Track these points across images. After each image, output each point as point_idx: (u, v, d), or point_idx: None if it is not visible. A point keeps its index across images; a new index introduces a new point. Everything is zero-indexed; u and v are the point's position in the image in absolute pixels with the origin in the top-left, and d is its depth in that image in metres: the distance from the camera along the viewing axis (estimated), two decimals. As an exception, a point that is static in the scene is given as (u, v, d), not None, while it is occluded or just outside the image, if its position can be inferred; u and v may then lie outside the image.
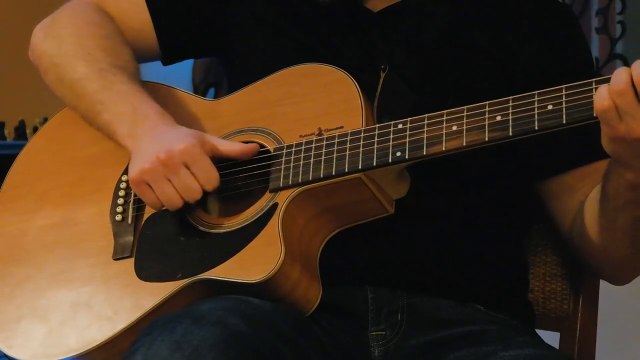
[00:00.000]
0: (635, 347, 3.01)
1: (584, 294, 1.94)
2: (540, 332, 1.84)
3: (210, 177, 1.68)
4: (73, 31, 1.88)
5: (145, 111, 1.75)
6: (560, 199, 1.82)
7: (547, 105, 1.55)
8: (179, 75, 4.08)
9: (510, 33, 1.81)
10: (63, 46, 1.87)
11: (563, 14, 1.87)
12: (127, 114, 1.76)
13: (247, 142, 1.74)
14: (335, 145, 1.66)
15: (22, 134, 4.21)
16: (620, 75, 1.48)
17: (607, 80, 1.50)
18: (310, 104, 1.73)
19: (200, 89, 4.29)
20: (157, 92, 1.84)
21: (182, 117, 1.79)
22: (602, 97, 1.49)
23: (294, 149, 1.69)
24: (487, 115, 1.59)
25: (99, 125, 1.81)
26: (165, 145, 1.68)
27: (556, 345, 1.90)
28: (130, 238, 1.74)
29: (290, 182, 1.67)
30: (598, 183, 1.69)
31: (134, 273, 1.71)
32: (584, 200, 1.77)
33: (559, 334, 1.95)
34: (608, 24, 3.33)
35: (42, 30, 1.92)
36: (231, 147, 1.72)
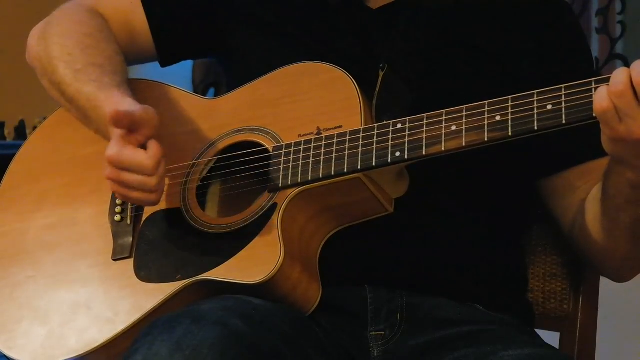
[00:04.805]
0: (635, 347, 3.01)
1: (584, 294, 1.93)
2: (540, 332, 1.83)
3: (140, 164, 1.64)
4: (59, 32, 1.87)
5: (97, 116, 1.75)
6: (561, 196, 1.82)
7: (547, 105, 1.55)
8: (179, 75, 4.07)
9: (509, 30, 1.81)
10: (48, 48, 1.86)
11: (563, 12, 1.86)
12: (94, 121, 1.77)
13: (245, 142, 1.74)
14: (334, 145, 1.66)
15: (22, 134, 4.20)
16: (619, 76, 1.48)
17: (606, 80, 1.50)
18: (309, 103, 1.72)
19: (200, 89, 4.28)
20: (152, 91, 1.84)
21: (178, 116, 1.79)
22: (601, 98, 1.49)
23: (292, 149, 1.69)
24: (486, 115, 1.59)
25: (93, 129, 1.81)
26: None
27: (556, 345, 1.90)
28: (129, 238, 1.74)
29: (289, 182, 1.67)
30: (599, 181, 1.69)
31: (134, 274, 1.71)
32: (585, 198, 1.77)
33: (559, 334, 1.94)
34: (608, 24, 3.33)
35: (36, 33, 1.92)
36: (131, 115, 1.65)
